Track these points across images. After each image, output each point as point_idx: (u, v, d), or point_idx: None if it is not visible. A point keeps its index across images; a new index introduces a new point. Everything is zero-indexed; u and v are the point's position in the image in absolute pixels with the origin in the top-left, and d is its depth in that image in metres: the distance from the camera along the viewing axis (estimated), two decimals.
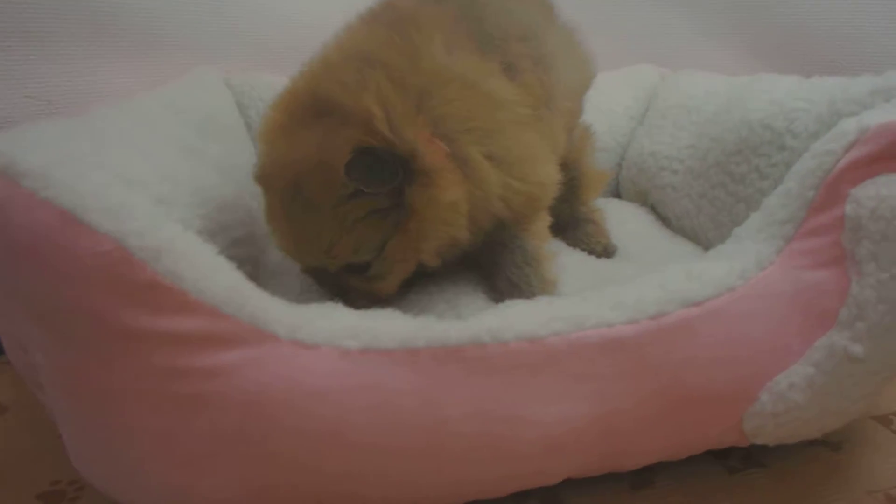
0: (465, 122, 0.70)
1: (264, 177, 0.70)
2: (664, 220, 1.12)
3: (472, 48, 0.74)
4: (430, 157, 0.66)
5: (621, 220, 1.08)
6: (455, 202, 0.68)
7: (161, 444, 0.50)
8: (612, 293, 0.60)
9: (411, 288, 0.77)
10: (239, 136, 1.06)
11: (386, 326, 0.54)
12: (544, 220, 0.84)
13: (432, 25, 0.73)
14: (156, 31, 1.04)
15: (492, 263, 0.79)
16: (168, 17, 1.05)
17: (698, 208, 1.00)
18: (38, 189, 0.45)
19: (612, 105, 1.34)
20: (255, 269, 0.81)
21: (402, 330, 0.53)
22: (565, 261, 0.90)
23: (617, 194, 1.32)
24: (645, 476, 0.68)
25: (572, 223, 1.01)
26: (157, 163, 0.67)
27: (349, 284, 0.71)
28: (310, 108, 0.68)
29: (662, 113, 1.24)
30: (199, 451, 0.50)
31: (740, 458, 0.70)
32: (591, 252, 0.97)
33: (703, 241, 0.99)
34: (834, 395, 0.61)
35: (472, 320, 0.55)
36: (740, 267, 0.62)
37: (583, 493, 0.65)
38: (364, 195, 0.65)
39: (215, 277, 0.50)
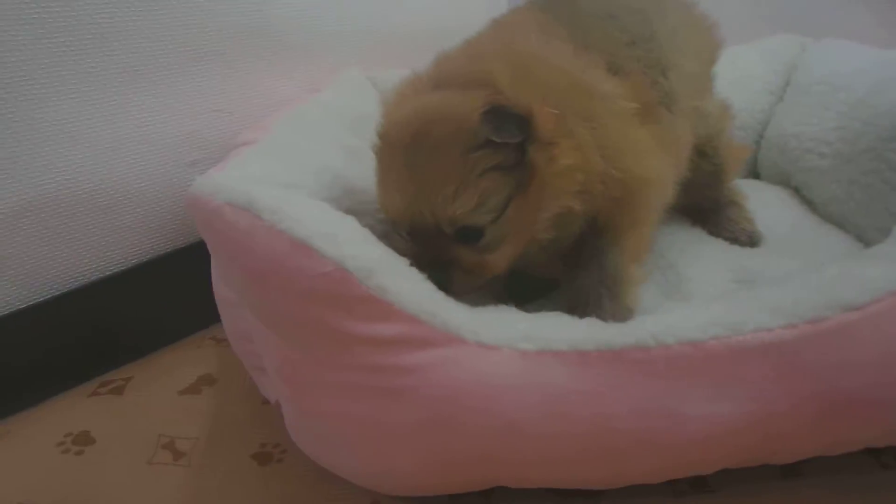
0: (563, 103, 0.69)
1: (385, 130, 0.70)
2: (809, 203, 1.09)
3: (573, 48, 0.75)
4: (546, 121, 0.67)
5: (764, 203, 1.05)
6: (572, 166, 0.68)
7: (365, 428, 0.59)
8: (767, 296, 0.62)
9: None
10: None
11: (556, 330, 0.59)
12: (641, 236, 0.78)
13: (528, 26, 0.76)
14: (308, 40, 1.13)
15: (572, 280, 0.76)
16: (316, 26, 1.13)
17: (848, 195, 0.97)
18: (276, 222, 0.56)
19: (749, 80, 1.27)
20: None
21: (572, 334, 0.59)
22: (708, 252, 0.90)
23: (755, 174, 1.27)
24: (794, 466, 0.68)
25: (713, 208, 0.99)
26: (338, 175, 0.77)
27: (456, 258, 0.68)
28: (432, 83, 0.72)
29: (805, 90, 1.18)
30: (396, 435, 0.58)
31: (894, 455, 0.70)
32: (734, 241, 0.95)
33: (853, 228, 0.96)
34: None
35: (634, 325, 0.60)
36: None
37: (732, 478, 0.66)
38: (492, 147, 0.65)
39: (412, 289, 0.59)
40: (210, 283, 0.83)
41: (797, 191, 1.14)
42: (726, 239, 0.96)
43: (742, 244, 0.95)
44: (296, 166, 0.75)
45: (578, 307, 0.72)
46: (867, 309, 0.59)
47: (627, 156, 0.72)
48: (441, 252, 0.68)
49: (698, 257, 0.88)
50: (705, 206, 1.00)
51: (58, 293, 0.89)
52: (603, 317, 0.69)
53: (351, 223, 0.60)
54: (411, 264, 0.64)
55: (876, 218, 0.90)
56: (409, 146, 0.66)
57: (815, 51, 1.26)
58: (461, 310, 0.61)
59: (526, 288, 0.80)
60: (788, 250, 0.91)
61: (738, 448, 0.61)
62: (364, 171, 0.78)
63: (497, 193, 0.66)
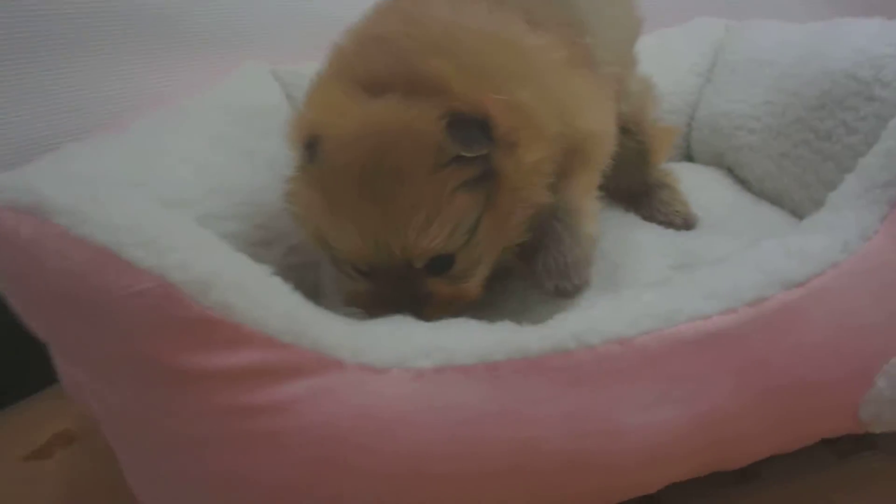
0: (500, 70, 0.62)
1: (330, 153, 0.60)
2: (743, 182, 1.07)
3: (486, 6, 0.67)
4: (500, 114, 0.59)
5: (698, 185, 1.02)
6: (540, 159, 0.61)
7: (226, 488, 0.46)
8: (703, 279, 0.55)
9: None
10: None
11: (460, 340, 0.50)
12: (590, 177, 0.72)
13: None
14: (198, 30, 1.01)
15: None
16: (208, 14, 1.02)
17: (781, 169, 0.95)
18: (71, 226, 0.42)
19: (676, 63, 1.26)
20: (317, 276, 0.77)
21: (479, 343, 0.49)
22: (642, 238, 0.85)
23: (688, 157, 1.26)
24: (750, 468, 0.62)
25: (645, 192, 0.95)
26: (206, 173, 0.65)
27: (431, 291, 0.62)
28: (357, 86, 0.61)
29: (732, 68, 1.18)
30: (267, 493, 0.46)
31: (850, 441, 0.65)
32: (669, 224, 0.90)
33: (788, 203, 0.95)
34: None
35: (552, 325, 0.51)
36: (842, 238, 0.57)
37: (684, 491, 0.59)
38: (459, 163, 0.58)
39: (270, 304, 0.46)
40: None
41: (731, 170, 1.12)
42: (660, 223, 0.91)
43: (677, 227, 0.90)
44: (140, 164, 0.62)
45: (537, 257, 0.64)
46: (810, 284, 0.54)
47: (571, 110, 0.66)
48: (412, 289, 0.61)
49: (631, 244, 0.83)
50: (636, 190, 0.95)
51: None
52: (564, 252, 0.63)
53: (183, 225, 0.48)
54: (374, 307, 0.58)
55: (810, 189, 0.89)
56: (365, 171, 0.58)
57: (740, 30, 1.26)
58: (339, 325, 0.50)
59: None
60: (726, 231, 0.88)
61: (687, 458, 0.54)
62: (250, 170, 0.70)
63: (469, 213, 0.60)
